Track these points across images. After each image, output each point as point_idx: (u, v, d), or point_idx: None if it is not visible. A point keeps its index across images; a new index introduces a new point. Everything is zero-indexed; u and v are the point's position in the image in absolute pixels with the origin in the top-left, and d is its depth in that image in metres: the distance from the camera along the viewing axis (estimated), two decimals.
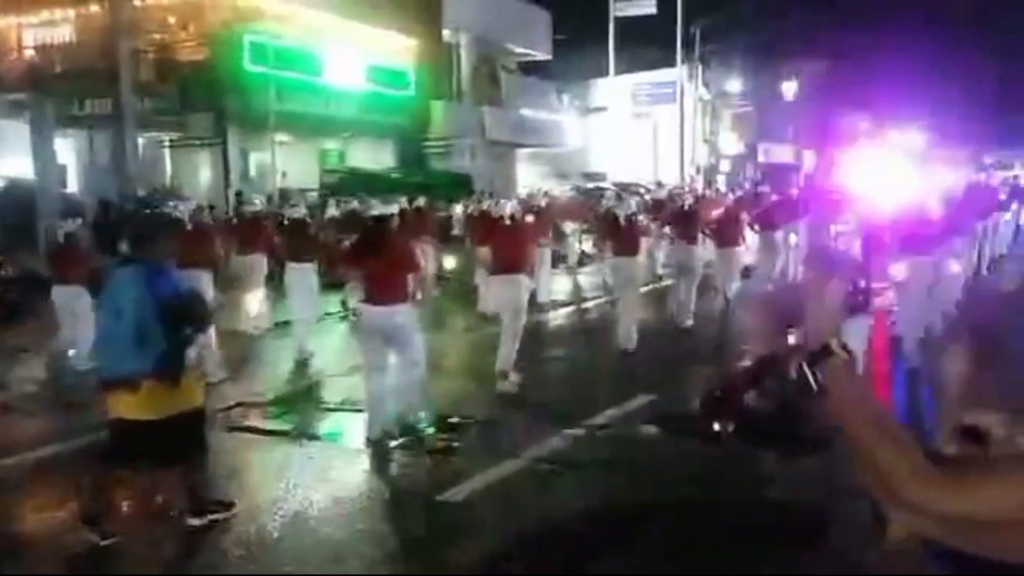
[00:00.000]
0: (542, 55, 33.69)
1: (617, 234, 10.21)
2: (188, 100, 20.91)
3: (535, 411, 7.45)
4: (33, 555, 4.86)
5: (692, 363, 9.16)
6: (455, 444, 6.80)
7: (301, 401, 8.02)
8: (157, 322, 4.66)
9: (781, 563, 4.42)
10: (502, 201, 11.24)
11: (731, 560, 4.46)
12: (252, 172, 22.92)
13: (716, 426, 1.37)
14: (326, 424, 7.32)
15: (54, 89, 20.98)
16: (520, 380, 8.11)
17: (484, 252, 9.51)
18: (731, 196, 17.82)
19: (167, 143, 23.62)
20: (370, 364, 6.68)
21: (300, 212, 11.33)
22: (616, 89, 34.43)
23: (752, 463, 5.03)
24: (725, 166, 39.06)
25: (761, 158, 40.52)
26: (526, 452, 6.30)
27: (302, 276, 10.01)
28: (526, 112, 31.56)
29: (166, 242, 5.26)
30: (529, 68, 34.04)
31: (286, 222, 11.35)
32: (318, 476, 5.98)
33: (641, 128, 35.92)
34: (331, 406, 7.76)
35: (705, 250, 12.58)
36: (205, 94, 20.71)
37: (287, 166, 22.31)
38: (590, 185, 27.17)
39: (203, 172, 23.40)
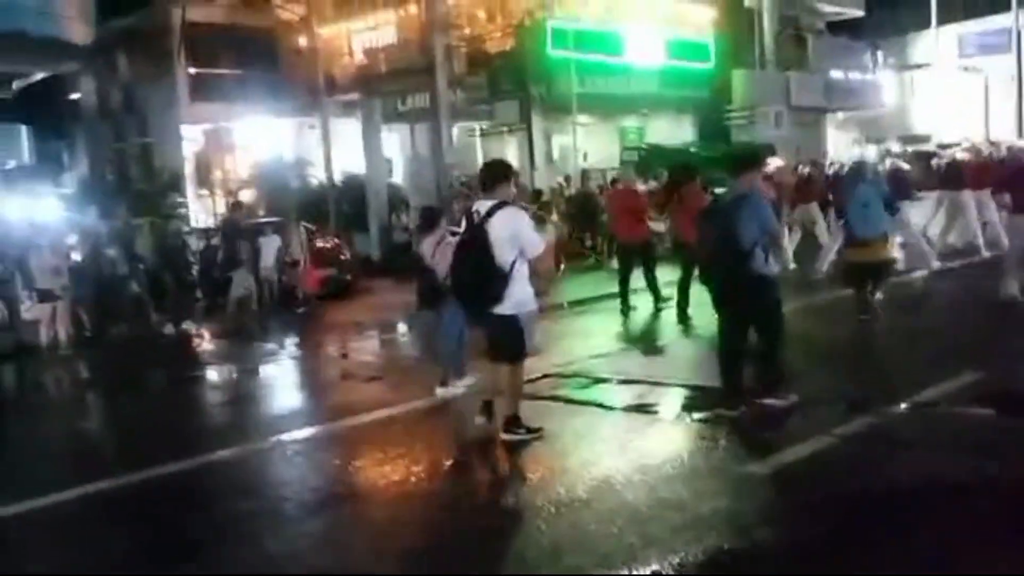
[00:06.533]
0: (853, 11, 31.43)
1: None
2: (497, 89, 22.00)
3: (848, 386, 7.07)
4: None
5: None
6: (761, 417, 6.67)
7: (601, 373, 8.25)
8: (884, 209, 9.19)
9: None
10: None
11: None
12: (555, 155, 23.70)
13: None
14: (626, 396, 7.45)
15: (380, 88, 23.06)
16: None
17: None
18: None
19: (478, 131, 25.07)
20: None
21: None
22: (939, 42, 31.36)
23: None
24: None
25: None
26: (837, 429, 6.02)
27: None
28: (835, 74, 29.68)
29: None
30: (838, 27, 31.95)
31: None
32: (622, 444, 6.14)
33: (970, 83, 32.49)
34: (630, 378, 7.89)
35: None
36: (512, 82, 21.69)
37: (588, 146, 22.81)
38: (908, 148, 25.01)
39: (510, 157, 24.58)
